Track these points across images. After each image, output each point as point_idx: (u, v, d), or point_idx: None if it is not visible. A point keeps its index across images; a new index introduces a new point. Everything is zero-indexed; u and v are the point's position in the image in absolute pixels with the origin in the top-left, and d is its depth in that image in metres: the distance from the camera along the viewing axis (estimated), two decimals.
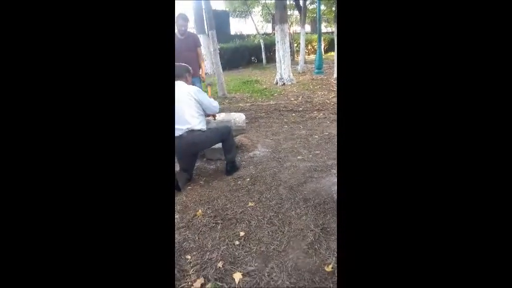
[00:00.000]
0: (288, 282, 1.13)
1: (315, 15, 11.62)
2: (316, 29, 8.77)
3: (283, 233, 1.44)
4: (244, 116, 2.81)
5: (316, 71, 7.46)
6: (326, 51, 13.99)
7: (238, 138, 2.65)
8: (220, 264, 1.25)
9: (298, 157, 2.37)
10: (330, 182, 1.91)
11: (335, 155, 2.36)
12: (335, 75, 6.48)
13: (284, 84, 5.92)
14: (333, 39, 10.61)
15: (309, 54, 13.74)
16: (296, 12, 11.33)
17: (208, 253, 1.33)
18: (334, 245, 1.31)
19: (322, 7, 11.05)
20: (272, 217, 1.58)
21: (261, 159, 2.39)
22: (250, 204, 1.72)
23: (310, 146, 2.62)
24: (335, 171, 2.06)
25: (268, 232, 1.45)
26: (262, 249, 1.33)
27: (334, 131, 2.95)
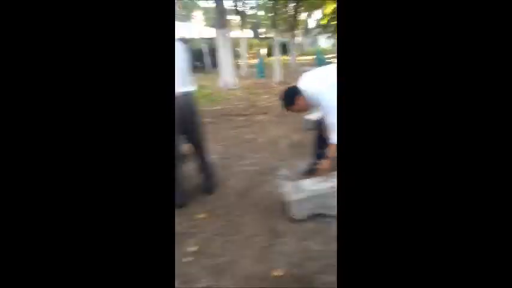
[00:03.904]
0: None
1: (255, 20, 11.96)
2: (257, 33, 9.03)
3: (233, 242, 1.44)
4: None
5: (258, 75, 7.70)
6: (267, 56, 14.54)
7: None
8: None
9: (246, 161, 2.41)
10: (276, 184, 1.99)
11: (279, 156, 2.47)
12: (277, 79, 6.79)
13: (229, 88, 5.95)
14: (272, 45, 11.10)
15: (250, 59, 14.09)
16: (237, 17, 11.49)
17: None
18: (284, 248, 1.37)
19: (262, 13, 11.45)
20: (222, 227, 1.57)
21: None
22: (201, 215, 1.68)
23: (256, 149, 2.69)
24: (280, 172, 2.16)
25: (220, 243, 1.44)
26: (215, 262, 1.31)
27: (279, 133, 3.09)
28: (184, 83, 1.69)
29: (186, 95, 1.70)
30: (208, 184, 1.93)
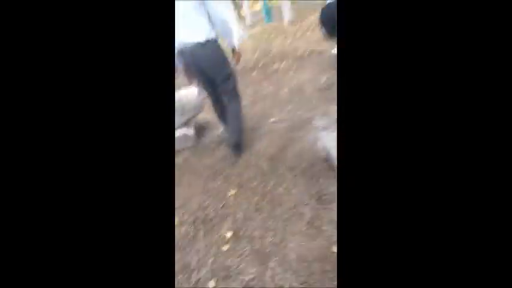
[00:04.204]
0: (296, 284, 0.90)
1: None
2: None
3: (275, 218, 1.20)
4: (196, 90, 2.35)
5: (266, 19, 6.85)
6: None
7: (199, 118, 2.28)
8: (212, 284, 1.00)
9: (272, 119, 2.08)
10: (312, 138, 1.65)
11: (310, 106, 2.09)
12: (286, 19, 5.95)
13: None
14: None
15: (253, 6, 12.76)
16: None
17: (195, 272, 1.07)
18: (335, 216, 1.09)
19: None
20: (259, 202, 1.32)
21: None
22: (231, 192, 1.45)
23: (280, 103, 2.31)
24: (315, 123, 1.81)
25: (258, 222, 1.21)
26: (256, 247, 1.09)
27: (302, 79, 2.64)
28: (199, 30, 1.44)
29: (206, 43, 1.47)
30: (237, 145, 1.69)
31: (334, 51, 2.73)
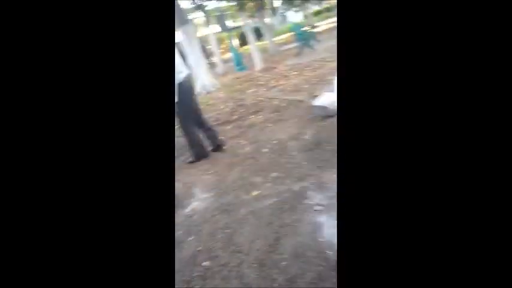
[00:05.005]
0: None
1: (218, 13, 11.05)
2: (224, 26, 8.25)
3: None
4: None
5: (237, 67, 6.89)
6: (241, 46, 13.70)
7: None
8: None
9: (254, 193, 1.67)
10: (312, 222, 1.26)
11: (300, 170, 1.74)
12: (258, 67, 6.00)
13: (208, 92, 5.14)
14: (243, 33, 10.20)
15: (224, 54, 13.28)
16: (200, 14, 10.48)
17: None
18: None
19: (224, 3, 10.52)
20: None
21: (203, 215, 1.61)
22: None
23: (263, 167, 1.94)
24: (310, 197, 1.43)
25: None
26: None
27: (283, 136, 2.35)
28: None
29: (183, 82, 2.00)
30: (215, 145, 2.32)
31: (315, 101, 2.54)
